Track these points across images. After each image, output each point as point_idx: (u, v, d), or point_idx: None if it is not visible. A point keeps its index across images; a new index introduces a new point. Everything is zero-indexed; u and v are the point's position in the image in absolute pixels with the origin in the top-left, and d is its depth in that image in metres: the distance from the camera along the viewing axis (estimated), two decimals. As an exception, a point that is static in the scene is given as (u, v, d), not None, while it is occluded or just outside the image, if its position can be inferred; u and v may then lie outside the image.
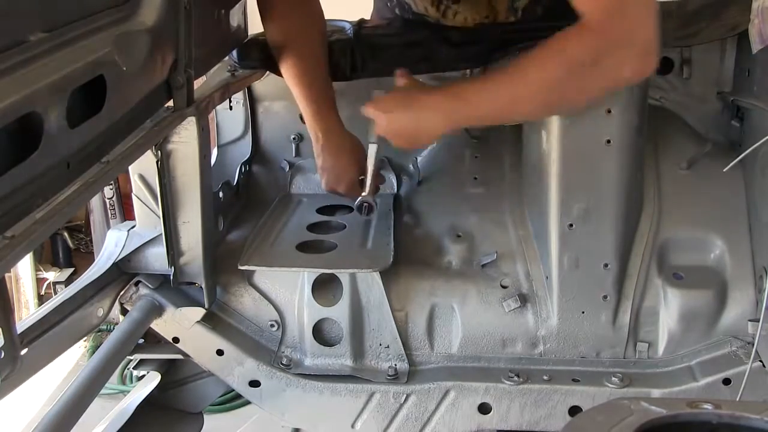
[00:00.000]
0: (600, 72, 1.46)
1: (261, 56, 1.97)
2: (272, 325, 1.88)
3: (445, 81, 2.05)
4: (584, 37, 1.45)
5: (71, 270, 4.45)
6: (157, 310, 1.82)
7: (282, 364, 1.85)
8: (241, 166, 2.14)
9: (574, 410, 1.74)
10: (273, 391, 1.84)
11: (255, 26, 2.00)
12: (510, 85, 1.53)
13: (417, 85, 1.71)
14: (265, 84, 2.14)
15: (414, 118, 1.63)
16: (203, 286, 1.79)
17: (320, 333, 1.85)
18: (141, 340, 1.86)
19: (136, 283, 1.84)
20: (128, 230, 1.86)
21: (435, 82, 2.05)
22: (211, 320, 1.85)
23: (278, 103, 2.18)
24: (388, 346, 1.83)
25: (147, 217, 1.81)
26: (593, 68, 1.45)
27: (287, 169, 2.20)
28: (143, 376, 1.96)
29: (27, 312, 4.20)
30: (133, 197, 1.81)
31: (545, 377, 1.76)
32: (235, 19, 1.89)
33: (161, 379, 1.92)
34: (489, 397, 1.76)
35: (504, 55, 1.99)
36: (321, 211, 2.07)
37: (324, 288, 1.83)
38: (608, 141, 1.66)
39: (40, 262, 4.40)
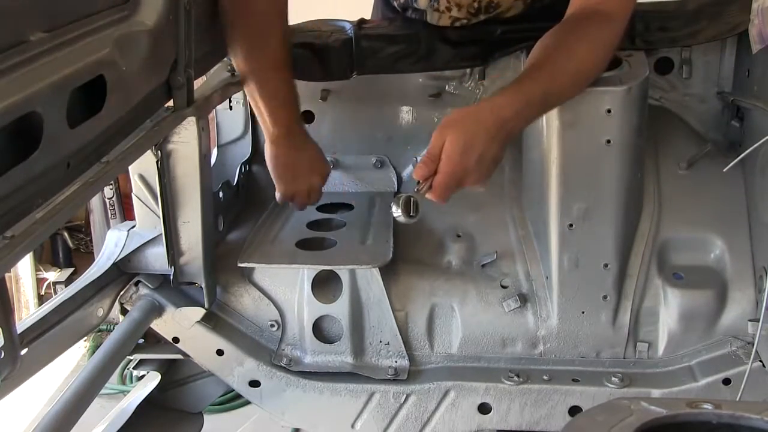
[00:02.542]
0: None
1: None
2: (272, 325, 1.88)
3: (444, 80, 2.05)
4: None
5: (71, 270, 4.45)
6: (157, 310, 1.82)
7: (282, 363, 1.85)
8: (241, 166, 2.14)
9: (574, 410, 1.74)
10: (273, 391, 1.84)
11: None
12: (563, 57, 1.54)
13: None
14: (265, 84, 2.13)
15: (481, 120, 1.45)
16: (203, 285, 1.80)
17: (320, 330, 1.85)
18: (141, 340, 1.86)
19: (136, 283, 1.84)
20: (128, 230, 1.86)
21: (434, 81, 2.06)
22: (211, 320, 1.85)
23: (278, 103, 2.17)
24: (388, 343, 1.83)
25: (147, 217, 1.82)
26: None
27: (287, 168, 2.19)
28: (143, 376, 1.96)
29: (27, 312, 4.20)
30: (133, 197, 1.81)
31: (545, 377, 1.76)
32: (235, 19, 1.88)
33: (161, 379, 1.92)
34: (489, 397, 1.76)
35: (503, 55, 1.99)
36: (321, 209, 2.07)
37: (324, 285, 1.83)
38: (608, 141, 1.66)
39: (40, 262, 4.40)
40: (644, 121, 1.72)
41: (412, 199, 1.47)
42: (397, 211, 1.49)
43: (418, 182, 1.48)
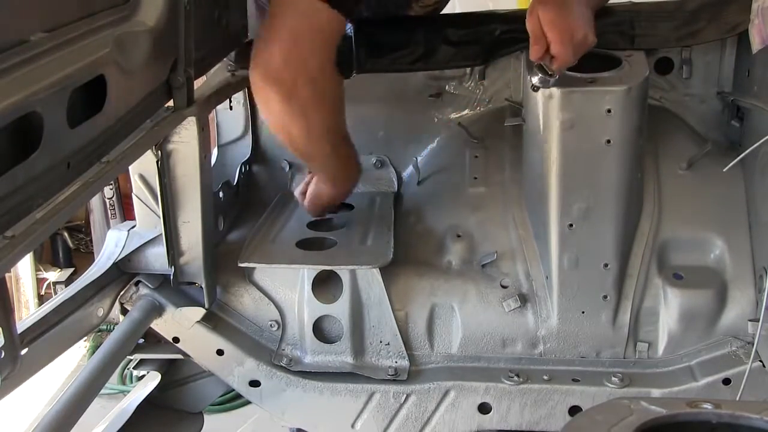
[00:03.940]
0: None
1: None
2: (272, 325, 1.88)
3: (444, 80, 2.06)
4: None
5: (71, 270, 4.45)
6: (157, 310, 1.82)
7: (282, 363, 1.85)
8: (241, 166, 2.14)
9: (574, 410, 1.74)
10: (273, 391, 1.84)
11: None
12: None
13: None
14: (265, 84, 2.13)
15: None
16: (203, 285, 1.79)
17: (320, 330, 1.85)
18: (141, 340, 1.86)
19: (136, 283, 1.84)
20: (128, 230, 1.86)
21: (434, 81, 2.06)
22: (211, 320, 1.85)
23: (278, 103, 2.17)
24: (388, 344, 1.83)
25: (147, 217, 1.82)
26: None
27: (287, 169, 2.19)
28: (143, 376, 1.97)
29: (27, 312, 4.21)
30: (133, 197, 1.81)
31: (545, 377, 1.76)
32: (235, 19, 1.89)
33: (161, 379, 1.92)
34: (489, 397, 1.76)
35: (503, 55, 2.00)
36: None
37: (324, 285, 1.83)
38: (608, 141, 1.66)
39: (40, 262, 4.40)
40: (644, 121, 1.72)
41: (542, 63, 1.54)
42: (536, 77, 1.57)
43: (537, 66, 1.56)
